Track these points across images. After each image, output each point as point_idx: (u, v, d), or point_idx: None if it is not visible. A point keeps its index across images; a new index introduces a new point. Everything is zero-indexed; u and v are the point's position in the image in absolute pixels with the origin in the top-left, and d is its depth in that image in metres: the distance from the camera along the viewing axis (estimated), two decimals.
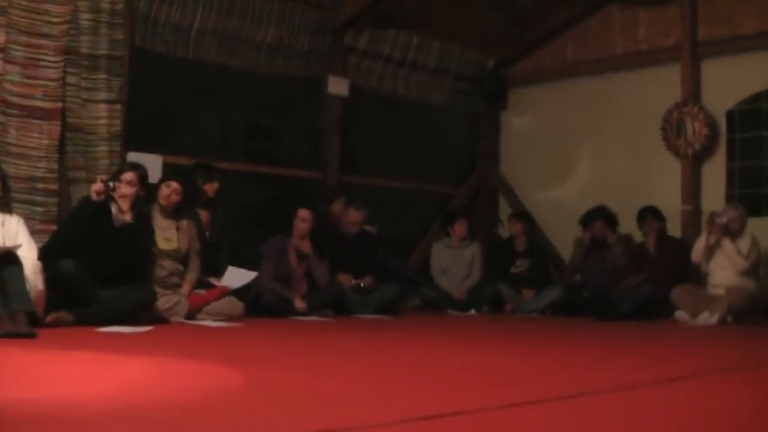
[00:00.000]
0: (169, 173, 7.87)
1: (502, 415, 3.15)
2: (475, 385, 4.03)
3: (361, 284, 8.91)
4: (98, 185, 6.68)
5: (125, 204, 6.77)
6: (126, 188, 6.79)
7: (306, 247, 8.45)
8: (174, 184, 7.50)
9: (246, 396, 3.56)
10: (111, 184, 6.70)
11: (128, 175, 6.88)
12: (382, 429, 2.82)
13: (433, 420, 2.96)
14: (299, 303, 8.16)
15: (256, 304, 7.84)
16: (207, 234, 7.90)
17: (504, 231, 11.37)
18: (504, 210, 11.82)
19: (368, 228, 9.34)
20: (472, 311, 9.60)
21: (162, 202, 7.49)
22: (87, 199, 6.76)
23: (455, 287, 9.90)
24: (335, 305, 8.50)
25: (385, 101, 10.96)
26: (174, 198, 7.49)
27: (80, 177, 7.89)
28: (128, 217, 6.79)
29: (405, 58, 10.95)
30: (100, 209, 6.72)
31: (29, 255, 6.12)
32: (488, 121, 12.08)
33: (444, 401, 3.43)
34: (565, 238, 10.80)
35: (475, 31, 11.23)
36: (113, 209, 6.77)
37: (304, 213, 8.50)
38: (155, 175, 7.79)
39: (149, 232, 7.17)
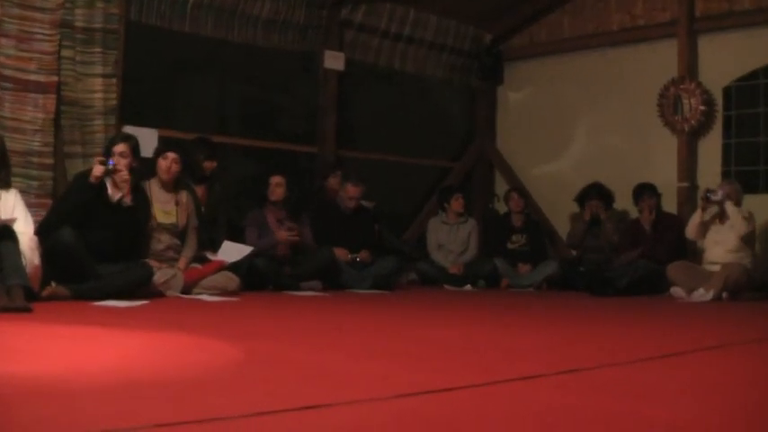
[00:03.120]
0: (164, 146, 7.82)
1: (498, 390, 3.15)
2: (471, 360, 4.04)
3: (357, 259, 8.90)
4: (99, 169, 6.65)
5: (125, 187, 6.76)
6: (118, 160, 6.76)
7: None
8: (171, 155, 7.47)
9: (244, 370, 3.56)
10: (111, 166, 6.67)
11: (120, 147, 6.85)
12: (380, 404, 2.83)
13: (430, 395, 2.96)
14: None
15: (250, 274, 7.83)
16: (202, 209, 7.89)
17: (500, 206, 11.37)
18: (501, 185, 11.83)
19: (365, 202, 9.34)
20: (468, 286, 9.61)
21: (163, 176, 7.46)
22: (85, 180, 6.71)
23: (451, 262, 9.91)
24: (328, 273, 8.50)
25: (381, 75, 10.95)
26: (175, 168, 7.47)
27: (76, 152, 7.88)
28: (128, 200, 6.79)
29: (401, 33, 10.93)
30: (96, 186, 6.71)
31: (25, 229, 6.11)
32: (485, 95, 12.07)
33: (441, 376, 3.43)
34: (560, 212, 10.82)
35: (471, 5, 11.21)
36: (108, 185, 6.73)
37: (277, 179, 8.56)
38: (151, 149, 7.76)
39: (147, 210, 7.16)
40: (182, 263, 7.38)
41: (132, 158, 6.87)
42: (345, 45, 10.36)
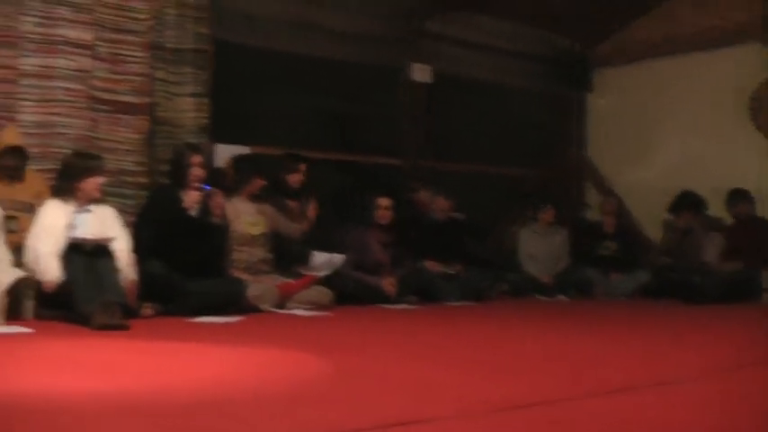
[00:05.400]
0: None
1: (588, 404, 3.15)
2: (562, 374, 4.03)
3: (449, 271, 8.88)
4: (196, 196, 6.81)
5: (218, 210, 6.90)
6: (198, 170, 6.90)
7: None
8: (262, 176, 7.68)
9: (337, 386, 3.60)
10: (207, 190, 6.82)
11: (197, 158, 6.99)
12: (473, 420, 2.84)
13: (523, 410, 2.97)
14: (388, 285, 8.18)
15: (343, 293, 7.85)
16: (295, 224, 7.97)
17: (591, 214, 11.30)
18: (590, 193, 11.75)
19: (455, 214, 9.33)
20: (560, 296, 9.53)
21: (257, 192, 7.60)
22: (173, 204, 6.86)
23: (543, 272, 9.83)
24: (422, 292, 8.49)
25: (467, 86, 10.91)
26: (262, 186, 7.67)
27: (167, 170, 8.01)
28: (218, 219, 6.93)
29: (487, 43, 10.91)
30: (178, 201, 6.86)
31: (122, 247, 6.26)
32: (573, 103, 11.99)
33: (532, 391, 3.44)
34: (651, 220, 10.68)
35: (558, 13, 11.13)
36: (185, 199, 6.87)
37: (385, 201, 8.48)
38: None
39: (227, 225, 7.26)
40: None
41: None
42: (430, 56, 10.37)
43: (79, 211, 6.27)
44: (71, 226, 6.16)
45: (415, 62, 10.13)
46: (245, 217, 7.49)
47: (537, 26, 11.32)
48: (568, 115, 12.01)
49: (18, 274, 5.96)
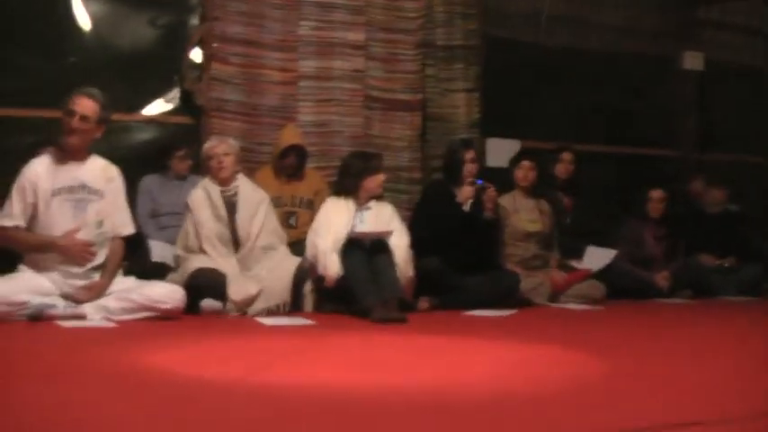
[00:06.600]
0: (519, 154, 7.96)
1: None
2: None
3: (725, 265, 8.64)
4: (469, 191, 6.89)
5: (491, 204, 6.95)
6: (471, 166, 6.98)
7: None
8: (526, 163, 7.57)
9: (607, 387, 3.59)
10: (480, 184, 6.90)
11: (470, 153, 7.04)
12: (737, 426, 2.79)
13: None
14: (662, 280, 8.04)
15: (615, 287, 7.77)
16: (568, 219, 7.93)
17: None
18: None
19: (730, 206, 9.06)
20: None
21: (521, 183, 7.59)
22: (449, 200, 6.96)
23: None
24: (696, 286, 8.30)
25: (741, 73, 10.57)
26: (531, 176, 7.56)
27: (440, 165, 8.14)
28: (490, 213, 6.98)
29: (760, 27, 10.55)
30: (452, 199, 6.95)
31: (400, 243, 6.40)
32: None
33: None
34: None
35: None
36: (458, 194, 6.95)
37: (657, 193, 8.35)
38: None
39: (500, 220, 7.30)
40: (553, 263, 7.51)
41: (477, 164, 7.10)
42: (703, 44, 10.13)
43: (360, 209, 6.49)
44: (351, 223, 6.38)
45: (686, 50, 9.90)
46: (524, 213, 7.51)
47: None
48: None
49: (298, 260, 6.26)
